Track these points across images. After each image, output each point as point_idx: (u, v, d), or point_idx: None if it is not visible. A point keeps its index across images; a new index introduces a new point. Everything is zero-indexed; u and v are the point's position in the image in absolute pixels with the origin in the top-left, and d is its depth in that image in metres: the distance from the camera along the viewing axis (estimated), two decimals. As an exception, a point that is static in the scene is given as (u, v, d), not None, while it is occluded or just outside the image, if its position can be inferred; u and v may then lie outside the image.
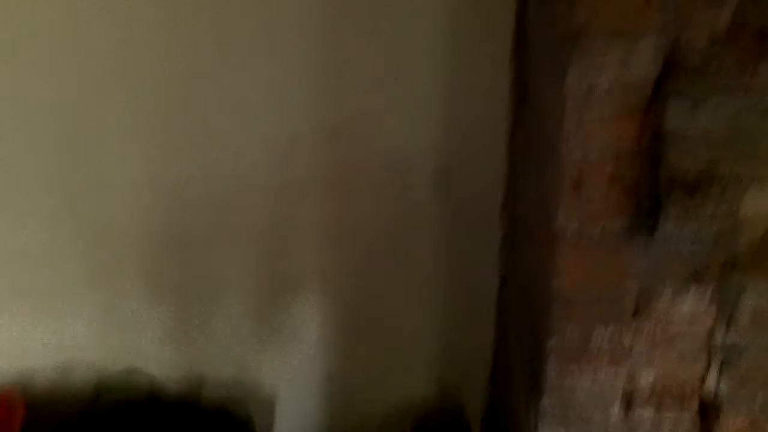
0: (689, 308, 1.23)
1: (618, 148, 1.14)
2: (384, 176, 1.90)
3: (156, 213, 1.96)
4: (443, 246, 1.98)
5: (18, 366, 2.16)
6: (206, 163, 1.90)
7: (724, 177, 1.11)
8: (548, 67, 1.29)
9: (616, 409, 1.32)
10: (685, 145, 1.09)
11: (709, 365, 1.28)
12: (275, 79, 1.81)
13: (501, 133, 1.83)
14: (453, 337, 2.10)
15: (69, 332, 2.11)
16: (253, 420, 1.95)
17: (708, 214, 1.13)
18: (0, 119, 1.88)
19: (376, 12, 1.76)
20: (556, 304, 1.25)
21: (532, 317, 1.44)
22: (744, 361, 1.28)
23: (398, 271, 2.02)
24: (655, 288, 1.22)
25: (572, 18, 1.08)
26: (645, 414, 1.32)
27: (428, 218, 1.95)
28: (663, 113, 1.09)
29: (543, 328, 1.31)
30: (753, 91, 1.08)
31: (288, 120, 1.85)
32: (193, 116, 1.86)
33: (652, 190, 1.14)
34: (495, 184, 1.89)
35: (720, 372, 1.29)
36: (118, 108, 1.85)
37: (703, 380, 1.30)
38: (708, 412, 1.32)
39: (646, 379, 1.30)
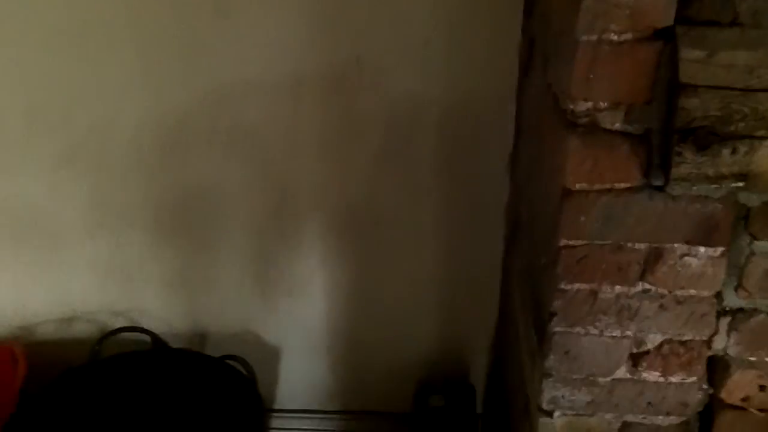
0: (698, 269, 1.21)
1: (630, 99, 1.11)
2: (389, 119, 1.88)
3: (158, 159, 1.95)
4: (447, 198, 1.96)
5: (20, 319, 2.17)
6: (208, 106, 1.89)
7: (738, 132, 1.08)
8: (559, 14, 1.26)
9: (622, 371, 1.31)
10: (699, 97, 1.06)
11: (717, 328, 1.27)
12: (279, 19, 1.79)
13: (509, 79, 1.82)
14: (457, 297, 2.09)
15: (70, 284, 2.12)
16: (256, 374, 1.94)
17: (719, 171, 1.10)
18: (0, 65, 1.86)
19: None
20: (561, 263, 1.23)
21: (538, 277, 1.42)
22: (753, 323, 1.26)
23: (403, 225, 2.00)
24: (664, 248, 1.20)
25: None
26: (651, 376, 1.31)
27: (433, 166, 1.93)
28: (677, 64, 1.06)
29: (548, 288, 1.29)
30: (768, 46, 1.06)
31: (292, 60, 1.83)
32: (195, 58, 1.84)
33: (663, 144, 1.12)
34: (503, 134, 1.88)
35: (728, 335, 1.27)
36: (119, 51, 1.84)
37: (710, 343, 1.28)
38: (715, 374, 1.30)
39: (652, 341, 1.28)
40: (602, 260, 1.23)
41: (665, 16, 1.06)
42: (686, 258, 1.21)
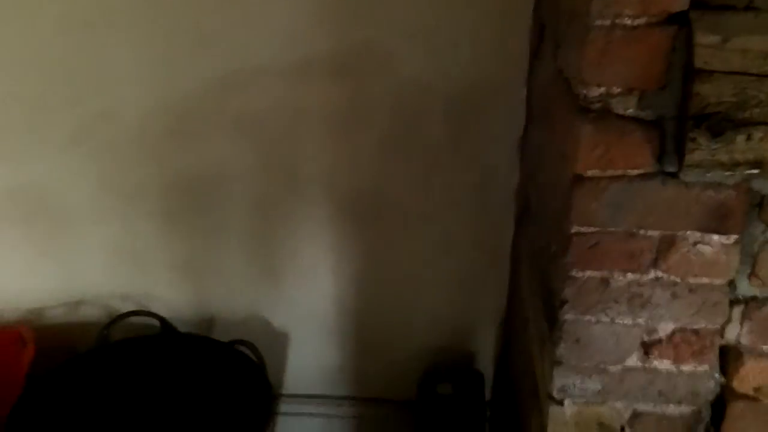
0: (710, 257, 1.20)
1: (643, 85, 1.10)
2: (398, 104, 1.87)
3: (166, 144, 1.95)
4: (456, 183, 1.95)
5: (28, 302, 2.17)
6: (216, 91, 1.88)
7: (753, 119, 1.07)
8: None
9: (633, 360, 1.30)
10: (713, 83, 1.05)
11: (729, 316, 1.26)
12: (287, 3, 1.77)
13: (520, 63, 1.80)
14: (466, 283, 2.09)
15: (79, 268, 2.13)
16: (264, 359, 1.94)
17: (734, 158, 1.09)
18: (9, 48, 1.86)
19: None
20: (572, 250, 1.22)
21: (548, 264, 1.41)
22: (766, 312, 1.25)
23: (411, 210, 2.00)
24: (676, 235, 1.19)
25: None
26: (662, 365, 1.30)
27: (442, 151, 1.92)
28: (691, 49, 1.04)
29: (559, 276, 1.28)
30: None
31: (300, 45, 1.81)
32: (203, 42, 1.83)
33: (677, 130, 1.11)
34: (513, 119, 1.86)
35: (741, 323, 1.26)
36: (128, 35, 1.84)
37: (723, 332, 1.27)
38: (728, 364, 1.29)
39: (664, 329, 1.27)
40: (614, 247, 1.22)
41: (680, 1, 1.04)
42: (699, 246, 1.20)
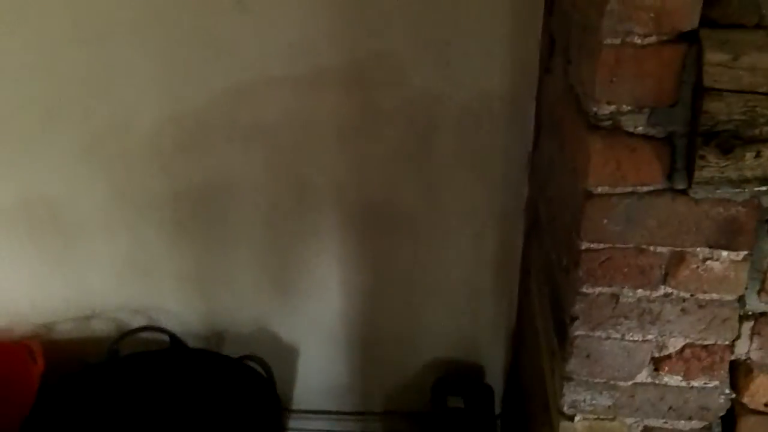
0: (720, 273, 1.21)
1: (653, 102, 1.10)
2: (409, 116, 1.88)
3: (177, 155, 1.96)
4: (466, 197, 1.96)
5: (38, 316, 2.18)
6: (227, 102, 1.89)
7: (762, 136, 1.07)
8: (582, 15, 1.25)
9: (643, 375, 1.30)
10: (723, 101, 1.05)
11: (739, 332, 1.26)
12: (299, 15, 1.78)
13: (530, 77, 1.81)
14: (475, 296, 2.09)
15: (89, 281, 2.13)
16: (273, 373, 1.94)
17: (743, 175, 1.10)
18: (21, 58, 1.87)
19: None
20: (583, 266, 1.22)
21: (558, 278, 1.42)
22: (776, 328, 1.25)
23: (421, 223, 2.01)
24: (686, 251, 1.19)
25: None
26: (673, 380, 1.30)
27: (452, 163, 1.93)
28: (701, 67, 1.05)
29: (569, 291, 1.29)
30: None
31: (312, 57, 1.82)
32: (215, 53, 1.84)
33: (686, 147, 1.11)
34: (522, 132, 1.87)
35: (751, 339, 1.26)
36: (139, 46, 1.84)
37: (733, 347, 1.27)
38: (738, 379, 1.29)
39: (674, 345, 1.27)
40: (624, 263, 1.22)
41: (690, 19, 1.05)
42: (709, 262, 1.20)
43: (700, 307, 1.24)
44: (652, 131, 1.12)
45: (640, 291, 1.24)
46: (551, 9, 1.68)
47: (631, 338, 1.28)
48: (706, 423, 1.33)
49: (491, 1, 1.73)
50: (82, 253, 2.10)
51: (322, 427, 2.28)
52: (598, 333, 1.28)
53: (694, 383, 1.30)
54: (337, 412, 2.29)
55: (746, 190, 1.12)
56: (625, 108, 1.11)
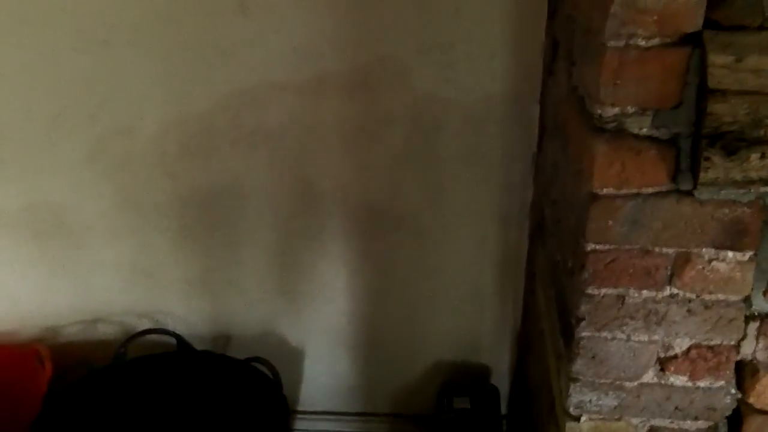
0: (726, 273, 1.21)
1: (657, 104, 1.10)
2: (413, 120, 1.88)
3: (182, 160, 1.96)
4: (471, 199, 1.96)
5: (45, 320, 2.19)
6: (232, 106, 1.90)
7: (766, 137, 1.07)
8: (585, 18, 1.25)
9: (649, 376, 1.31)
10: (727, 102, 1.06)
11: (745, 332, 1.26)
12: (303, 19, 1.79)
13: (533, 80, 1.81)
14: (481, 297, 2.09)
15: (95, 285, 2.14)
16: (280, 375, 1.94)
17: (748, 176, 1.10)
18: (26, 65, 1.88)
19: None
20: (589, 267, 1.23)
21: (563, 280, 1.42)
22: (782, 328, 1.26)
23: (425, 226, 2.01)
24: (691, 252, 1.20)
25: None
26: (679, 381, 1.30)
27: (456, 166, 1.94)
28: (705, 69, 1.05)
29: (575, 292, 1.29)
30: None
31: (316, 61, 1.83)
32: (219, 58, 1.85)
33: (691, 148, 1.12)
34: (527, 135, 1.88)
35: (757, 339, 1.27)
36: (144, 52, 1.85)
37: (739, 347, 1.27)
38: (744, 379, 1.29)
39: (680, 345, 1.28)
40: (630, 264, 1.22)
41: (693, 21, 1.05)
42: (714, 262, 1.20)
43: (706, 307, 1.24)
44: (656, 133, 1.13)
45: (645, 292, 1.24)
46: (554, 12, 1.68)
47: (637, 339, 1.28)
48: (712, 423, 1.33)
49: (494, 4, 1.73)
50: (88, 258, 2.10)
51: (328, 428, 2.29)
52: (604, 334, 1.28)
53: (700, 383, 1.30)
54: (343, 414, 2.29)
55: (751, 191, 1.13)
56: (630, 110, 1.11)
